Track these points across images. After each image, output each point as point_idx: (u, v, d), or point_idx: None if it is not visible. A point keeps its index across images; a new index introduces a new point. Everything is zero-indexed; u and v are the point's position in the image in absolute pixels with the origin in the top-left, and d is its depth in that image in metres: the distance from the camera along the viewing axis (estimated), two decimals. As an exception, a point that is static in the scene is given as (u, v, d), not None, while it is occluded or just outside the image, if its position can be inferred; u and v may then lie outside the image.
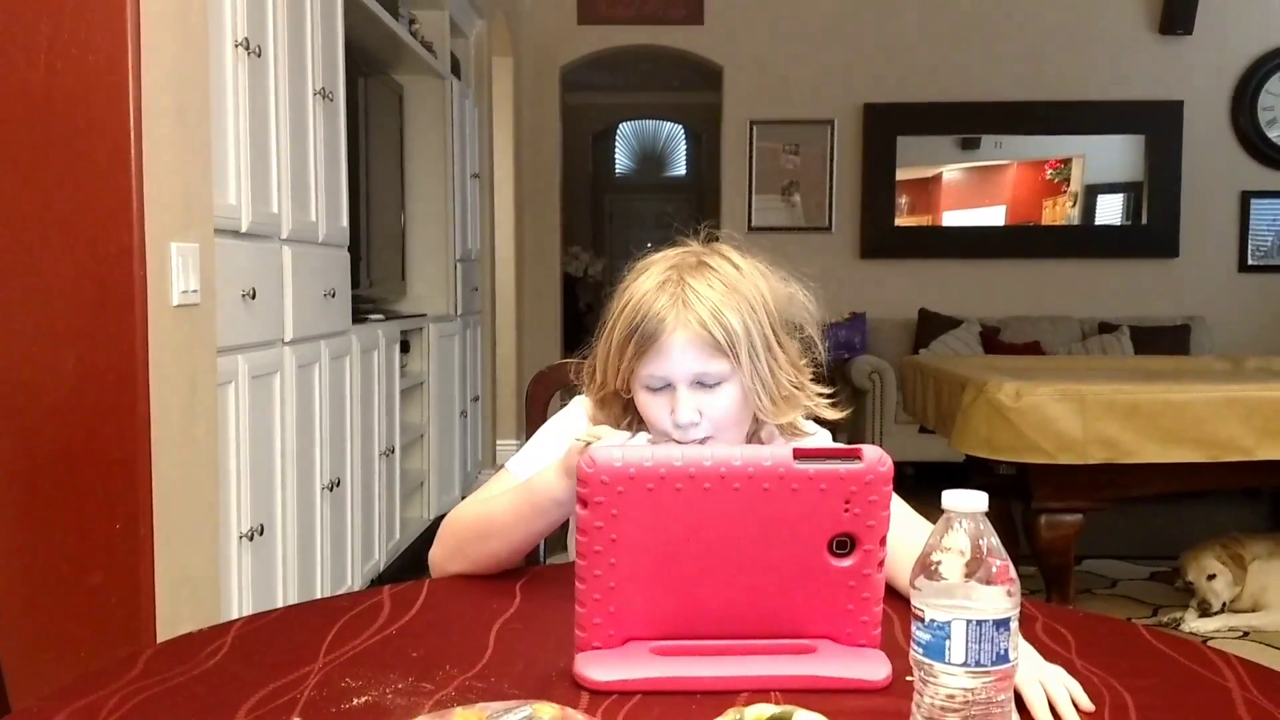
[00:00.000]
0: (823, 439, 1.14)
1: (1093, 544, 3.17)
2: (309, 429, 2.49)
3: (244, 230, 2.09)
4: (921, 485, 3.37)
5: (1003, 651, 0.68)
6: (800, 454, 0.76)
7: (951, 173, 5.81)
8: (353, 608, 0.96)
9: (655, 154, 9.38)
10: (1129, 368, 3.59)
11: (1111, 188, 5.77)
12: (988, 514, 0.70)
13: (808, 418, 1.11)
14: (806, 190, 5.71)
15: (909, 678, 0.72)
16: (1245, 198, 5.61)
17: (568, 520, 1.04)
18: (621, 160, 9.38)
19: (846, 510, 0.77)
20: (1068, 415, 2.50)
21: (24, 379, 1.58)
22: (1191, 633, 2.87)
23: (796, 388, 1.07)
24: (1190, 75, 5.54)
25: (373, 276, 3.42)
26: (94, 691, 0.77)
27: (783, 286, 1.09)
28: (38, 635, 1.59)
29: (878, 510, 0.77)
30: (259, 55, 2.15)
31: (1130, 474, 2.59)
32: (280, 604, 2.26)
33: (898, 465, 0.78)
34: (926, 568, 0.70)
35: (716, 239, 1.10)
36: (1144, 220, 5.67)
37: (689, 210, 8.45)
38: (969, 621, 0.68)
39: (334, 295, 2.67)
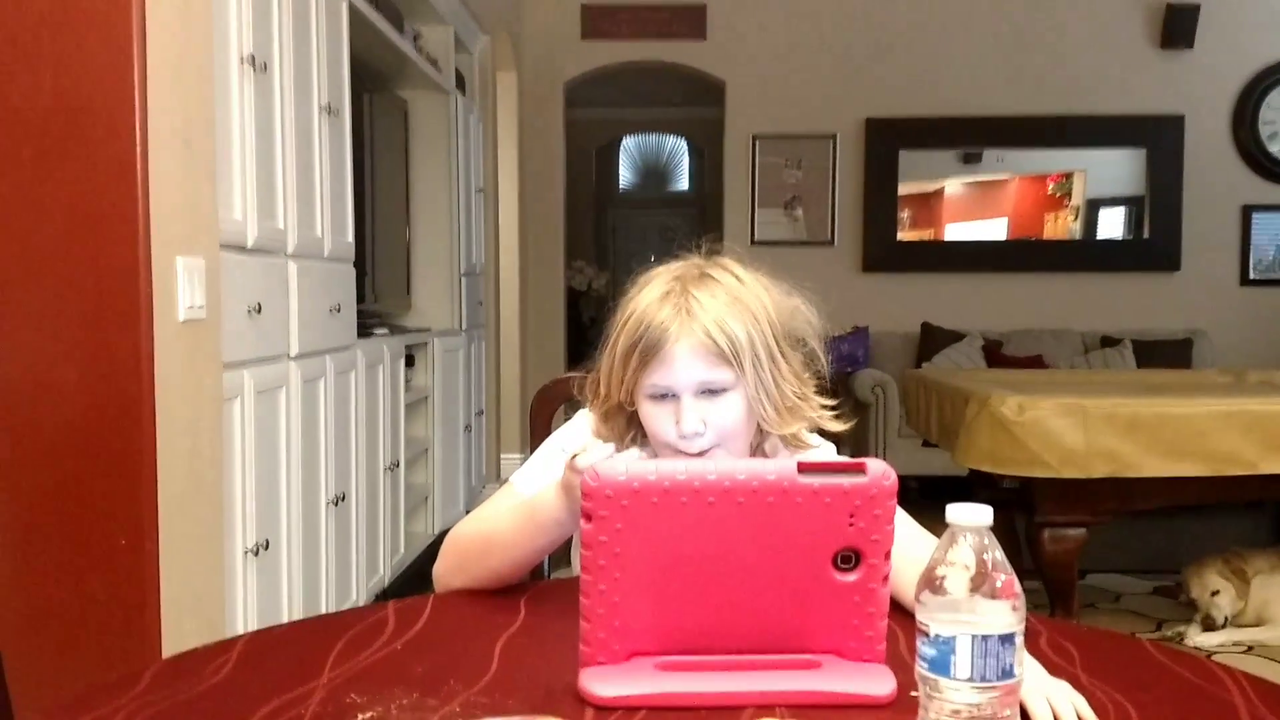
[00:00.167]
0: (827, 452, 1.14)
1: (1096, 558, 3.16)
2: (314, 444, 2.49)
3: (250, 245, 2.10)
4: (925, 499, 3.36)
5: (1008, 666, 0.68)
6: (804, 468, 0.76)
7: (953, 187, 5.82)
8: (358, 623, 0.96)
9: (658, 168, 9.40)
10: (1131, 381, 3.58)
11: (1113, 201, 5.78)
12: (992, 528, 0.70)
13: (811, 429, 1.11)
14: (809, 204, 5.72)
15: (914, 693, 0.72)
16: (1246, 211, 5.62)
17: (572, 535, 1.04)
18: (625, 175, 9.41)
19: (851, 524, 0.77)
20: (1070, 429, 2.50)
21: (30, 394, 1.59)
22: (1195, 647, 2.86)
23: (800, 398, 1.08)
24: (1191, 89, 5.55)
25: (378, 291, 3.43)
26: (99, 707, 0.77)
27: (785, 299, 1.09)
28: (42, 651, 1.59)
29: (882, 524, 0.77)
30: (265, 71, 2.16)
31: (1133, 488, 2.59)
32: (285, 619, 2.26)
33: (901, 479, 0.78)
34: (931, 582, 0.70)
35: (719, 253, 1.11)
36: (1146, 234, 5.67)
37: (692, 224, 8.47)
38: (974, 636, 0.68)
39: (339, 310, 2.68)
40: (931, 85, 5.59)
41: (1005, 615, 0.68)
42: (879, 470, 0.77)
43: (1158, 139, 5.58)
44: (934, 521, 0.87)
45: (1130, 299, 5.62)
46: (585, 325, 7.50)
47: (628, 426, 1.11)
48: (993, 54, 5.58)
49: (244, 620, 2.07)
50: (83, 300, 1.58)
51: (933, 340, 5.34)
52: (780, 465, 0.77)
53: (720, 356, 1.03)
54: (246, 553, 2.08)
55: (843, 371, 5.02)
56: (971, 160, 5.80)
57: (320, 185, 2.54)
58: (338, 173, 2.69)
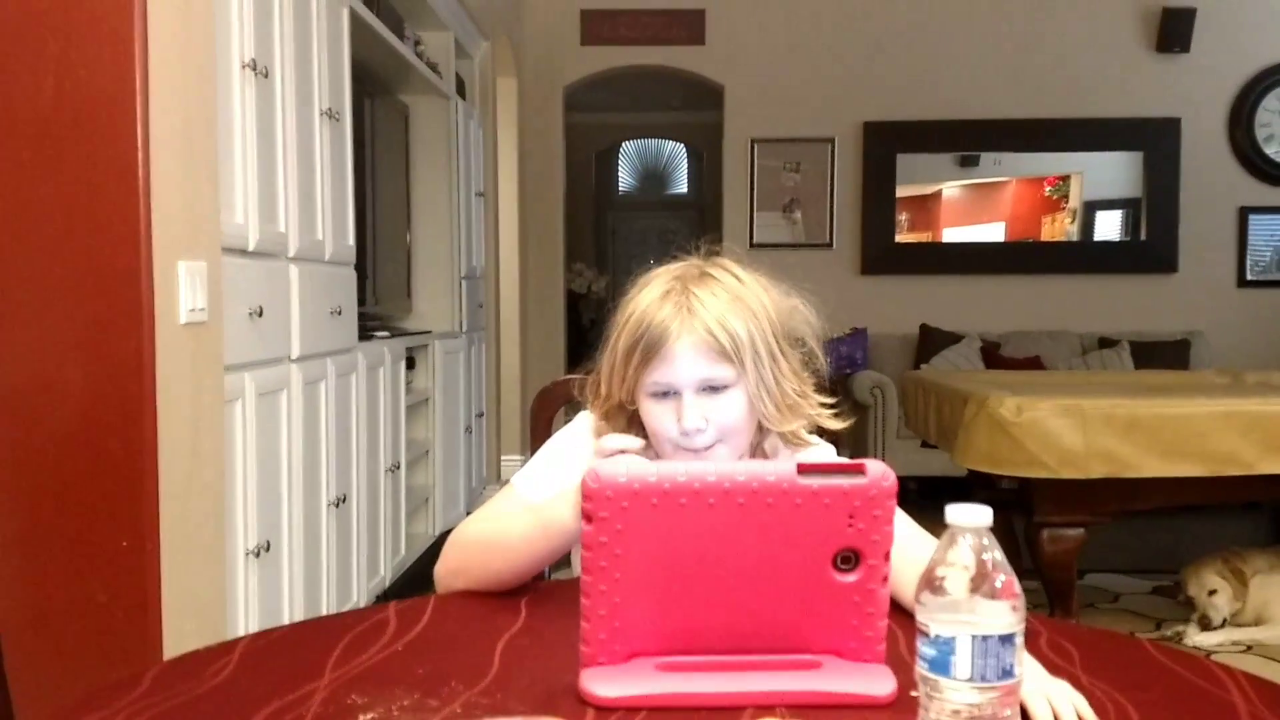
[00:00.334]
0: (826, 453, 1.15)
1: (1095, 558, 3.17)
2: (315, 446, 2.50)
3: (251, 249, 2.10)
4: (924, 500, 3.37)
5: (1008, 666, 0.69)
6: (804, 469, 0.77)
7: (951, 189, 5.83)
8: (359, 624, 0.96)
9: (657, 172, 9.41)
10: (1129, 382, 3.59)
11: (1110, 204, 5.79)
12: (991, 529, 0.70)
13: (811, 428, 1.12)
14: (807, 207, 5.73)
15: (914, 693, 0.73)
16: (1243, 213, 5.63)
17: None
18: (624, 178, 9.42)
19: (850, 525, 0.77)
20: (1069, 430, 2.51)
21: (32, 396, 1.59)
22: (1195, 647, 2.86)
23: (800, 396, 1.08)
24: (1188, 92, 5.56)
25: (378, 294, 3.44)
26: (100, 709, 0.77)
27: (784, 299, 1.10)
28: (44, 653, 1.59)
29: (882, 525, 0.77)
30: (266, 76, 2.17)
31: (1132, 488, 2.59)
32: (286, 621, 2.26)
33: (900, 480, 0.79)
34: (931, 583, 0.70)
35: (718, 254, 1.11)
36: (1143, 236, 5.68)
37: (691, 227, 8.48)
38: (974, 636, 0.68)
39: (340, 313, 2.68)
40: (929, 88, 5.60)
41: (1005, 615, 0.69)
42: (878, 471, 0.77)
43: (1154, 141, 5.59)
44: (933, 522, 0.88)
45: (1128, 300, 5.62)
46: (585, 327, 7.50)
47: (629, 426, 1.12)
48: (990, 57, 5.59)
49: (245, 622, 2.07)
50: (84, 303, 1.59)
51: (931, 342, 5.35)
52: (780, 467, 0.77)
53: (721, 353, 1.03)
54: (247, 554, 2.08)
55: (841, 373, 5.03)
56: (969, 163, 5.81)
57: (321, 189, 2.55)
58: (339, 177, 2.69)
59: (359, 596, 2.85)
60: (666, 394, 1.06)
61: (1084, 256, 5.73)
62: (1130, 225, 5.75)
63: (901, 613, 0.89)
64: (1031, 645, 0.84)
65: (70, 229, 1.58)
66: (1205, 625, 2.93)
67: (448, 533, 1.12)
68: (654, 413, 1.07)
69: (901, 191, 5.73)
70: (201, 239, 1.79)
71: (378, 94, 3.52)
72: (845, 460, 0.82)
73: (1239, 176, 5.62)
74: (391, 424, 3.19)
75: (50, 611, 1.60)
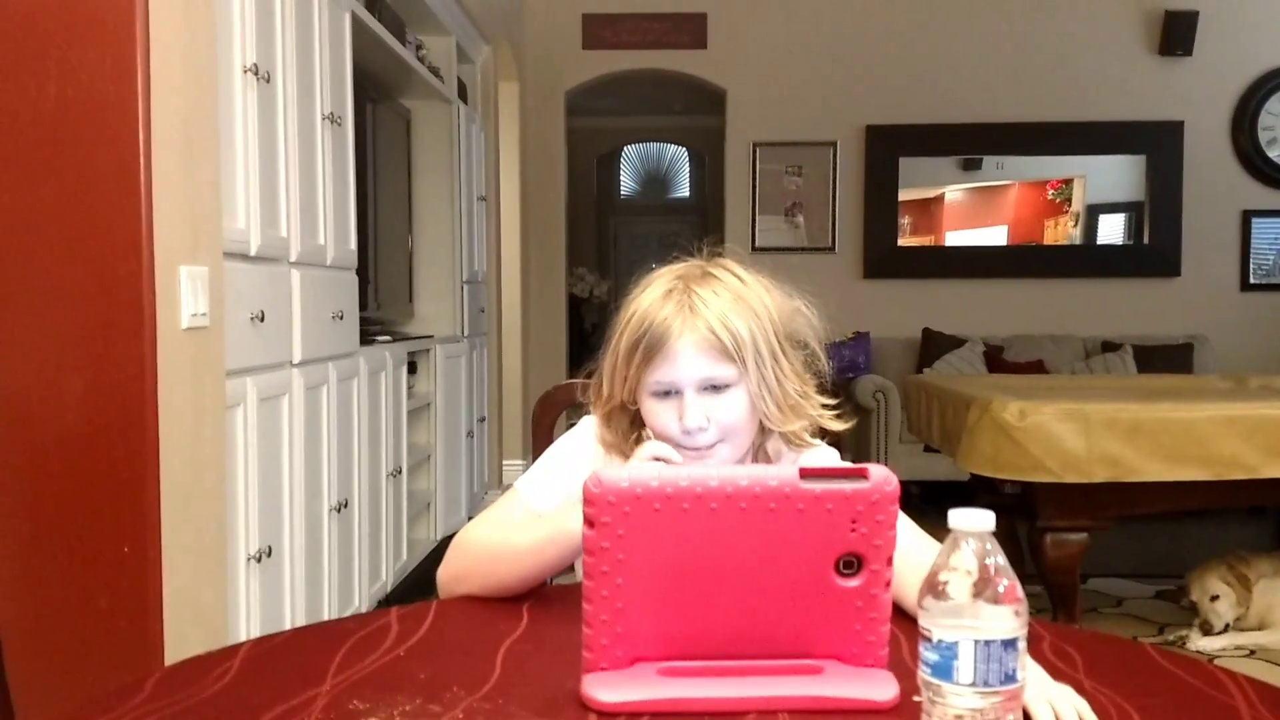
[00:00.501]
0: (829, 456, 1.15)
1: (1098, 563, 3.16)
2: (317, 450, 2.50)
3: (253, 253, 2.10)
4: (927, 504, 3.37)
5: (1011, 671, 0.69)
6: (806, 473, 0.77)
7: (953, 193, 5.83)
8: (360, 629, 0.96)
9: (659, 176, 9.42)
10: (1133, 386, 3.58)
11: (1113, 207, 5.79)
12: (994, 533, 0.70)
13: (813, 428, 1.12)
14: (810, 211, 5.73)
15: (916, 698, 0.72)
16: (1246, 217, 5.62)
17: None
18: (626, 182, 9.43)
19: (853, 530, 0.77)
20: (1072, 434, 2.50)
21: (33, 402, 1.59)
22: (1198, 651, 2.85)
23: (802, 396, 1.08)
24: (1190, 96, 5.56)
25: (380, 298, 3.44)
26: (101, 715, 0.77)
27: (786, 300, 1.10)
28: (45, 658, 1.59)
29: (884, 530, 0.77)
30: (268, 81, 2.17)
31: (1135, 492, 2.59)
32: (288, 626, 2.26)
33: (903, 484, 0.78)
34: (934, 587, 0.70)
35: (720, 255, 1.11)
36: (1146, 240, 5.68)
37: (693, 231, 8.44)
38: (977, 641, 0.68)
39: (342, 317, 2.68)
40: (931, 92, 5.60)
41: (1008, 620, 0.68)
42: (881, 476, 0.77)
43: (1157, 145, 5.58)
44: (935, 526, 0.88)
45: (1131, 304, 5.62)
46: (587, 332, 7.51)
47: (631, 426, 1.12)
48: (992, 61, 5.59)
49: (246, 627, 2.07)
50: (86, 308, 1.59)
51: (933, 346, 5.35)
52: (782, 471, 0.77)
53: (723, 352, 1.03)
54: (249, 559, 2.08)
55: (844, 377, 5.02)
56: (971, 167, 5.81)
57: (323, 194, 2.55)
58: (340, 181, 2.69)
59: (361, 601, 2.85)
60: (668, 393, 1.06)
61: (1087, 260, 5.73)
62: (1133, 229, 5.75)
63: (904, 617, 0.89)
64: (1034, 650, 0.84)
65: (72, 234, 1.59)
66: (1206, 630, 2.92)
67: (449, 537, 1.12)
68: (655, 412, 1.07)
69: (904, 195, 5.73)
70: (203, 244, 1.79)
71: (379, 99, 3.52)
72: (848, 465, 0.82)
73: (1242, 180, 5.61)
74: (393, 429, 3.20)
75: (52, 617, 1.60)
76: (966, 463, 2.68)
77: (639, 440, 1.12)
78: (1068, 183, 5.79)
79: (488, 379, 4.70)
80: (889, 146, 5.64)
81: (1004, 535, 0.71)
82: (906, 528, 0.99)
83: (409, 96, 3.90)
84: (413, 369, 3.62)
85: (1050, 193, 5.82)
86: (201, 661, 0.89)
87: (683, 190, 9.42)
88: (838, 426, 1.11)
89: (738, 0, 5.64)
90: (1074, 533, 2.62)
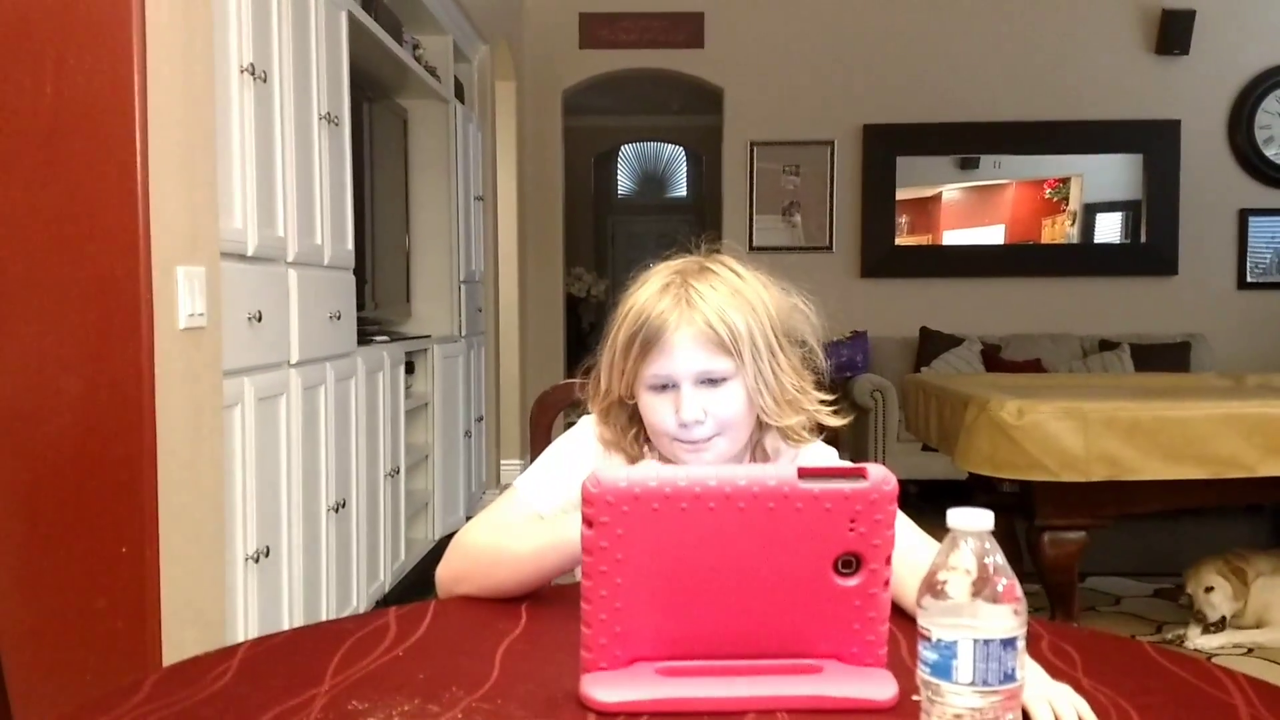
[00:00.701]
0: (827, 455, 1.15)
1: (1096, 561, 3.16)
2: (314, 451, 2.49)
3: (250, 254, 2.10)
4: (925, 503, 3.36)
5: (1010, 670, 0.69)
6: (805, 473, 0.77)
7: (951, 192, 5.84)
8: (359, 630, 0.96)
9: (657, 175, 9.43)
10: (1130, 385, 3.59)
11: (1110, 206, 5.79)
12: (993, 532, 0.70)
13: (810, 424, 1.12)
14: (807, 210, 5.73)
15: (915, 697, 0.72)
16: (1243, 215, 5.63)
17: None
18: (623, 182, 9.43)
19: (851, 529, 0.77)
20: (1070, 433, 2.51)
21: (31, 402, 1.59)
22: (1196, 650, 2.86)
23: (799, 392, 1.08)
24: (1187, 95, 5.57)
25: (378, 298, 3.44)
26: (99, 716, 0.77)
27: (784, 297, 1.10)
28: (43, 660, 1.59)
29: (883, 529, 0.77)
30: (265, 80, 2.17)
31: (1133, 491, 2.59)
32: (286, 626, 2.26)
33: (901, 483, 0.78)
34: (933, 587, 0.70)
35: (718, 251, 1.12)
36: (1143, 238, 5.69)
37: (690, 231, 8.43)
38: (976, 640, 0.68)
39: (339, 317, 2.68)
40: (929, 91, 5.60)
41: (1007, 619, 0.68)
42: (879, 475, 0.77)
43: (1154, 144, 5.59)
44: (934, 525, 0.88)
45: (1128, 303, 5.63)
46: (584, 331, 7.51)
47: (630, 423, 1.12)
48: (990, 60, 5.60)
49: (244, 627, 2.07)
50: (83, 309, 1.59)
51: (931, 345, 5.35)
52: (781, 471, 0.77)
53: (720, 345, 1.04)
54: (247, 559, 2.08)
55: (842, 376, 5.03)
56: (969, 166, 5.81)
57: (320, 194, 2.55)
58: (338, 181, 2.69)
59: (359, 602, 2.85)
60: (665, 387, 1.06)
61: (1084, 259, 5.73)
62: (1130, 228, 5.75)
63: (903, 617, 0.89)
64: (1033, 649, 0.84)
65: (69, 234, 1.58)
66: (1201, 621, 2.92)
67: (448, 537, 1.11)
68: (652, 406, 1.07)
69: (901, 194, 5.73)
70: (200, 244, 1.79)
71: (376, 98, 3.52)
72: (846, 464, 0.82)
73: (1239, 179, 5.62)
74: (391, 428, 3.19)
75: (49, 618, 1.60)
76: (964, 462, 2.68)
77: (638, 437, 1.11)
78: (1065, 182, 5.79)
79: (485, 378, 4.70)
80: (886, 145, 5.65)
81: (1002, 534, 0.71)
82: (905, 527, 0.99)
83: (406, 96, 3.90)
84: (410, 369, 3.62)
85: (1047, 192, 5.82)
86: (200, 662, 0.89)
87: (680, 189, 9.42)
88: (835, 422, 1.11)
89: (735, -1, 5.65)
90: (1072, 531, 2.63)
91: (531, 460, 1.19)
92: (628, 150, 9.31)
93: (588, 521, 0.77)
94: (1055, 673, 0.82)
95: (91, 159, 1.58)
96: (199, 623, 1.77)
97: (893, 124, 5.62)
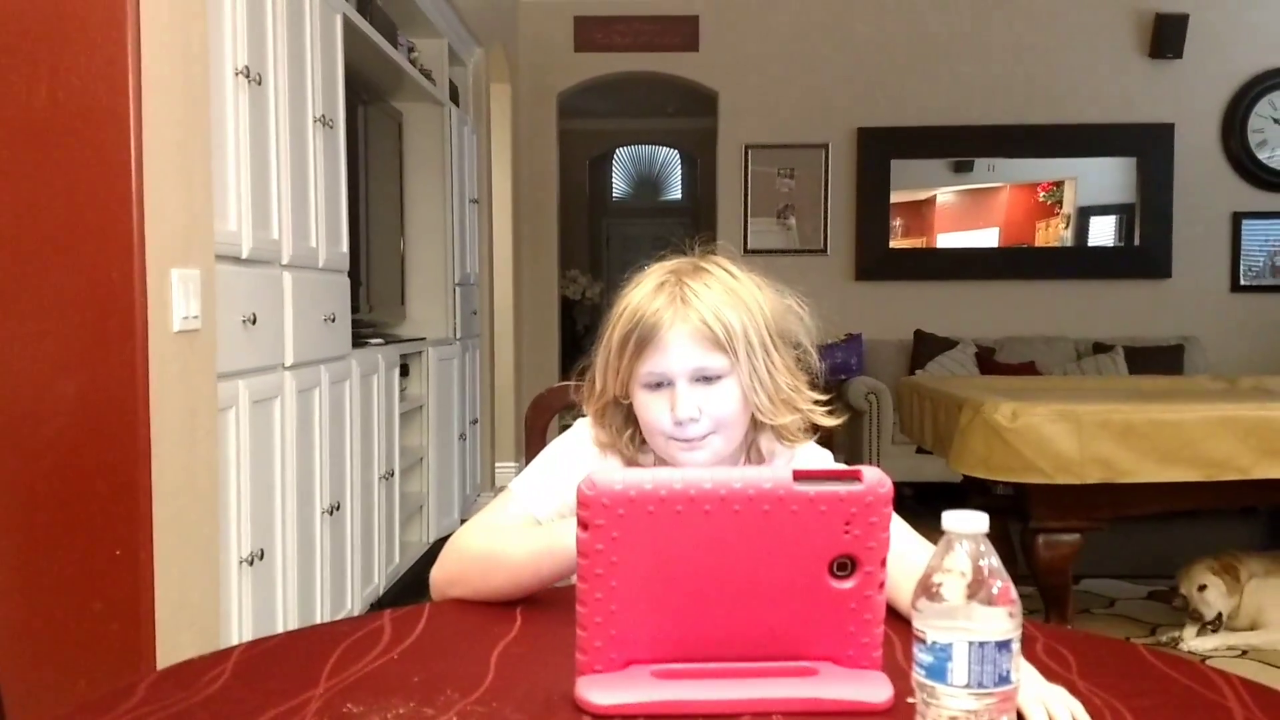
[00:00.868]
0: (823, 457, 1.15)
1: (1090, 563, 3.17)
2: (309, 453, 2.49)
3: (245, 256, 2.10)
4: (920, 506, 3.37)
5: (1005, 673, 0.69)
6: (800, 475, 0.77)
7: (945, 195, 5.85)
8: (354, 632, 0.96)
9: (651, 178, 9.43)
10: (1124, 388, 3.60)
11: (1104, 209, 5.81)
12: (987, 534, 0.70)
13: (805, 424, 1.12)
14: (802, 213, 5.74)
15: (911, 699, 0.73)
16: (1237, 218, 5.65)
17: None
18: (618, 184, 9.44)
19: (847, 532, 0.77)
20: (1064, 435, 2.51)
21: (25, 405, 1.59)
22: (1190, 651, 2.86)
23: (793, 391, 1.08)
24: (1181, 98, 5.59)
25: (372, 301, 3.43)
26: (94, 719, 0.76)
27: (778, 298, 1.10)
28: (38, 663, 1.58)
29: (878, 532, 0.77)
30: (259, 83, 2.17)
31: (1127, 493, 2.59)
32: (280, 629, 2.25)
33: (896, 486, 0.78)
34: (928, 589, 0.70)
35: (713, 253, 1.12)
36: (1137, 241, 5.70)
37: (685, 233, 8.45)
38: (971, 643, 0.68)
39: (334, 320, 2.68)
40: (923, 94, 5.61)
41: (1002, 621, 0.68)
42: (875, 478, 0.77)
43: (1148, 147, 5.61)
44: (928, 528, 0.88)
45: (1122, 306, 5.64)
46: (579, 334, 7.51)
47: (624, 423, 1.12)
48: (984, 63, 5.61)
49: (239, 630, 2.06)
50: (77, 311, 1.58)
51: (925, 347, 5.36)
52: (776, 473, 0.77)
53: (715, 343, 1.04)
54: (241, 562, 2.08)
55: (836, 379, 5.03)
56: (963, 169, 5.83)
57: (315, 196, 2.55)
58: (332, 184, 2.69)
59: (353, 604, 2.84)
60: (660, 385, 1.06)
61: (1078, 262, 5.75)
62: (1124, 231, 5.77)
63: (898, 619, 0.89)
64: (1028, 651, 0.84)
65: (63, 237, 1.58)
66: (1196, 620, 2.93)
67: (442, 540, 1.11)
68: (647, 404, 1.07)
69: (895, 197, 5.74)
70: (194, 246, 1.79)
71: (371, 101, 3.52)
72: (841, 467, 0.82)
73: (1232, 182, 5.64)
74: (385, 431, 3.19)
75: (44, 621, 1.59)
76: (959, 464, 2.69)
77: (633, 437, 1.11)
78: (1059, 185, 5.81)
79: (480, 381, 4.70)
80: (881, 149, 5.66)
81: (997, 537, 0.71)
82: (900, 529, 0.99)
83: (401, 99, 3.90)
84: (405, 371, 3.61)
85: (1041, 195, 5.84)
86: (194, 665, 0.89)
87: (675, 192, 9.43)
88: (829, 422, 1.12)
89: (730, 3, 5.65)
90: (1066, 534, 2.63)
91: (527, 463, 1.19)
92: (622, 153, 9.31)
93: (583, 524, 0.77)
94: (1050, 675, 0.83)
95: (86, 162, 1.58)
96: (193, 626, 1.77)
97: (887, 127, 5.63)
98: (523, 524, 1.09)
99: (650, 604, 0.79)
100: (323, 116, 2.59)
